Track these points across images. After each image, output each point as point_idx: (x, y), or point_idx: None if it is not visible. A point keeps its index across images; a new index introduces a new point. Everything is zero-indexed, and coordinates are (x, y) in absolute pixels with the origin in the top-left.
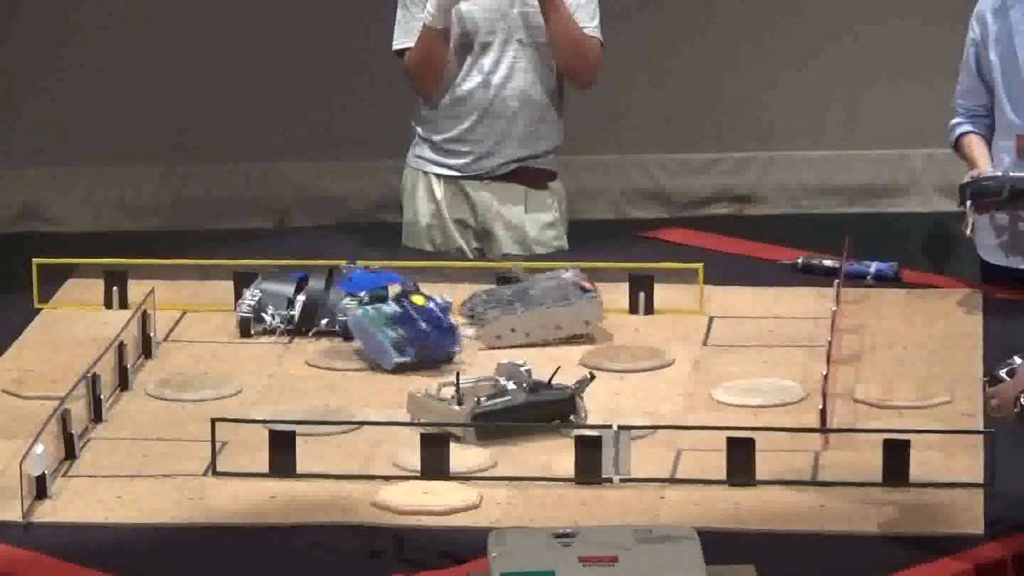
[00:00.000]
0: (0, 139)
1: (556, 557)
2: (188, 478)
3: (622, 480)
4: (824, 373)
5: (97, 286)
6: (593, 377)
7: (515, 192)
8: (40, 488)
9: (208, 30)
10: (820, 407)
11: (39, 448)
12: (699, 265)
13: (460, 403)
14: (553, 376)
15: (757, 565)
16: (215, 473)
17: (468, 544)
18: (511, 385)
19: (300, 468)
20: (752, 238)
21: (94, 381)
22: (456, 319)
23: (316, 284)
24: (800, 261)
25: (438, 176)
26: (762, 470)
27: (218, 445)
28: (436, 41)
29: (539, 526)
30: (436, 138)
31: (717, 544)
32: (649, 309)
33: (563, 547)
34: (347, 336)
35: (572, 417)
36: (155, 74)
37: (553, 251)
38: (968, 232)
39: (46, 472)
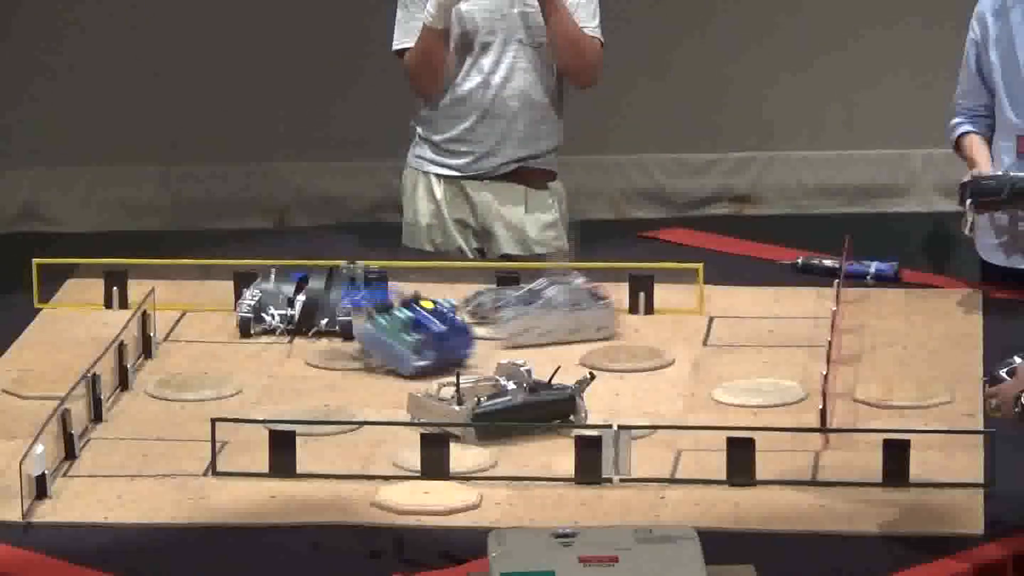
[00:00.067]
0: (0, 139)
1: (556, 557)
2: (188, 478)
3: (622, 480)
4: (824, 373)
5: (97, 286)
6: (593, 377)
7: (515, 192)
8: (40, 488)
9: (208, 30)
10: (820, 407)
11: (39, 448)
12: (699, 265)
13: (460, 403)
14: (553, 376)
15: (757, 565)
16: (215, 473)
17: (468, 544)
18: (511, 385)
19: (300, 468)
20: (752, 238)
21: (94, 381)
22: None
23: (316, 284)
24: (800, 261)
25: (438, 176)
26: (762, 470)
27: (218, 445)
28: (436, 41)
29: (539, 526)
30: (436, 138)
31: (717, 544)
32: (649, 309)
33: (563, 547)
34: (347, 336)
35: (572, 417)
36: (155, 74)
37: (553, 251)
38: (967, 231)
39: (46, 472)
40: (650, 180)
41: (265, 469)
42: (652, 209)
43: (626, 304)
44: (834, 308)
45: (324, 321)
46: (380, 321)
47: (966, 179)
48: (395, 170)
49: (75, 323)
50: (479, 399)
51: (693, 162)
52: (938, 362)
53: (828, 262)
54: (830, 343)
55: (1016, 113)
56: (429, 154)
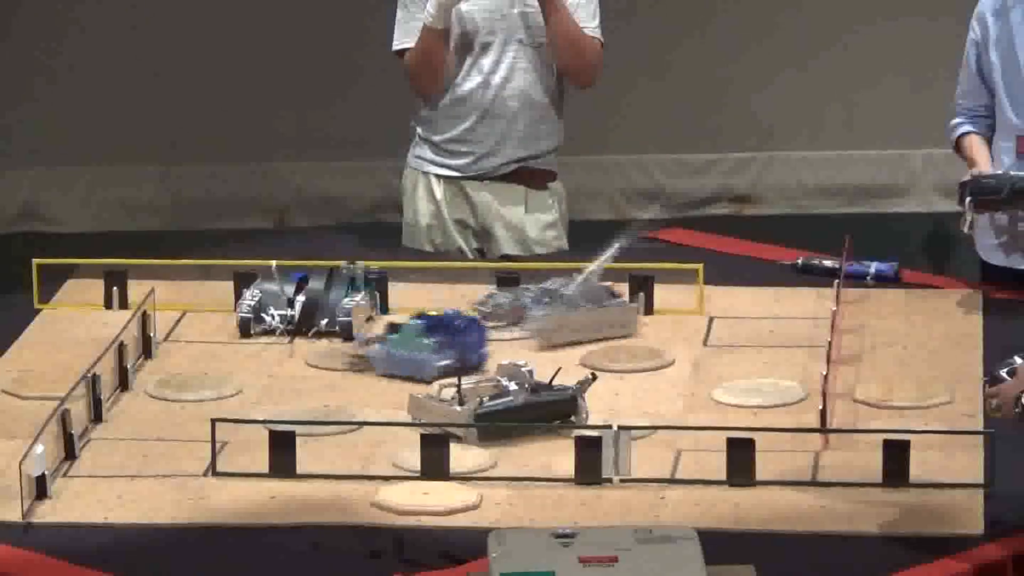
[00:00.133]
0: (0, 139)
1: (556, 557)
2: (188, 478)
3: (622, 480)
4: (824, 373)
5: (97, 286)
6: (595, 378)
7: (515, 192)
8: (40, 488)
9: (208, 30)
10: (820, 407)
11: (39, 448)
12: (699, 265)
13: (462, 404)
14: (554, 376)
15: (757, 565)
16: (215, 473)
17: (468, 544)
18: (512, 386)
19: (300, 468)
20: (752, 238)
21: (94, 381)
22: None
23: (316, 284)
24: (800, 261)
25: (438, 176)
26: (762, 470)
27: (218, 445)
28: (436, 41)
29: (539, 526)
30: (436, 138)
31: (717, 544)
32: (649, 309)
33: (563, 547)
34: (347, 336)
35: (573, 418)
36: (155, 74)
37: (553, 251)
38: (966, 230)
39: (46, 472)
40: (650, 180)
41: (265, 469)
42: (652, 209)
43: None
44: (834, 308)
45: (324, 321)
46: (392, 338)
47: (966, 179)
48: (395, 170)
49: (75, 323)
50: (481, 399)
51: (693, 162)
52: (938, 362)
53: (828, 262)
54: (830, 343)
55: (1016, 113)
56: (429, 154)
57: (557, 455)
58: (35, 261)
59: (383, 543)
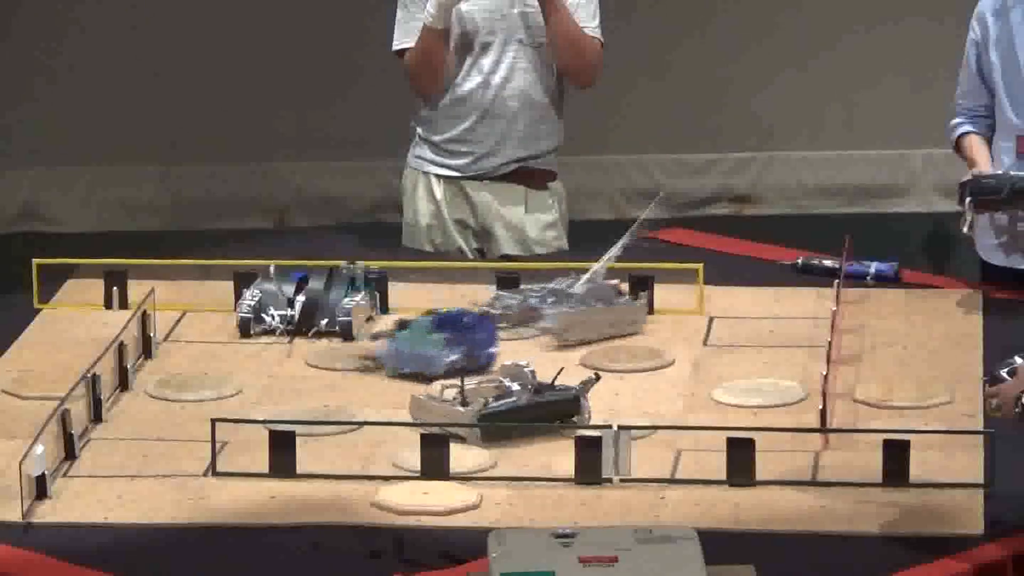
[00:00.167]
0: (0, 139)
1: (556, 557)
2: (188, 478)
3: (622, 480)
4: (824, 373)
5: (97, 286)
6: (598, 378)
7: (515, 192)
8: (40, 488)
9: (208, 30)
10: (820, 407)
11: (39, 448)
12: (699, 265)
13: (464, 404)
14: (556, 377)
15: (757, 565)
16: (215, 473)
17: (468, 544)
18: (515, 386)
19: (300, 468)
20: (752, 238)
21: (94, 381)
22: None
23: (316, 284)
24: (800, 261)
25: (438, 176)
26: (762, 470)
27: (218, 445)
28: (436, 41)
29: (539, 526)
30: (436, 138)
31: (717, 544)
32: (649, 309)
33: (563, 547)
34: (347, 336)
35: (576, 418)
36: (155, 74)
37: (553, 251)
38: (966, 230)
39: (46, 472)
40: (650, 180)
41: (265, 469)
42: (652, 209)
43: None
44: (834, 308)
45: (324, 321)
46: (401, 334)
47: (966, 179)
48: (395, 170)
49: (75, 323)
50: (486, 400)
51: (693, 162)
52: (938, 362)
53: (828, 262)
54: (830, 343)
55: (1016, 113)
56: (429, 154)
57: (557, 455)
58: (35, 261)
59: (383, 543)
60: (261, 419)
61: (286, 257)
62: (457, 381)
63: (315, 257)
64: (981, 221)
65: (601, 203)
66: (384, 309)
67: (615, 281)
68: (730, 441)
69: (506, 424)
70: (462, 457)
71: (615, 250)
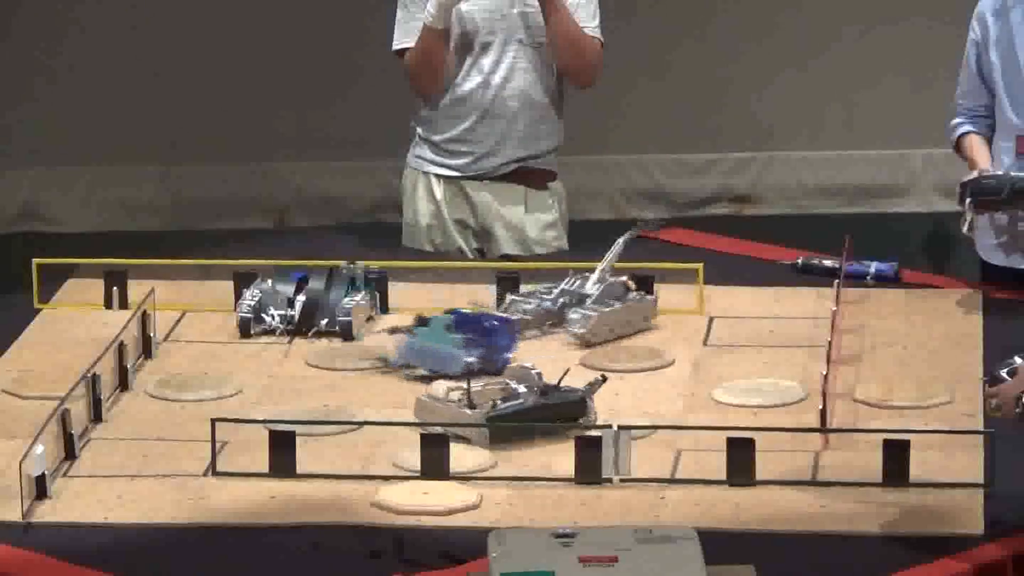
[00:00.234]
0: (0, 139)
1: (556, 557)
2: (188, 478)
3: (622, 480)
4: (824, 373)
5: (97, 286)
6: (605, 380)
7: (515, 192)
8: (40, 488)
9: (208, 30)
10: (820, 407)
11: (39, 448)
12: (699, 265)
13: (472, 407)
14: (562, 378)
15: (757, 565)
16: (215, 473)
17: (468, 544)
18: (522, 388)
19: (300, 468)
20: (752, 238)
21: (94, 381)
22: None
23: (316, 284)
24: (800, 261)
25: (438, 176)
26: (762, 470)
27: (218, 445)
28: (436, 41)
29: (539, 526)
30: (436, 138)
31: (717, 544)
32: None
33: (563, 547)
34: (347, 336)
35: (581, 419)
36: (155, 74)
37: (553, 251)
38: (966, 230)
39: (46, 472)
40: (650, 180)
41: (265, 469)
42: (652, 209)
43: None
44: (834, 308)
45: (324, 321)
46: (421, 330)
47: (966, 179)
48: (395, 170)
49: (75, 323)
50: (494, 403)
51: (693, 162)
52: (938, 362)
53: (828, 262)
54: (830, 343)
55: (1016, 113)
56: (429, 154)
57: (557, 455)
58: (35, 261)
59: (383, 543)
60: (261, 419)
61: (286, 257)
62: (462, 383)
63: (315, 257)
64: (981, 221)
65: (601, 203)
66: (384, 309)
67: (623, 278)
68: (730, 441)
69: (516, 425)
70: (462, 457)
71: (616, 249)
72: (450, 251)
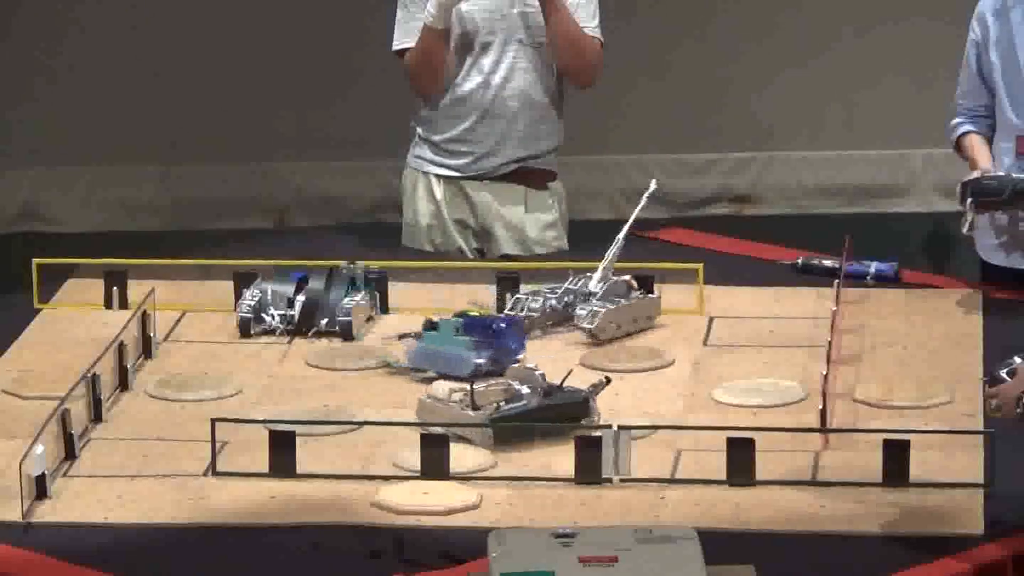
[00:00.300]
0: (0, 139)
1: (556, 557)
2: (188, 478)
3: (622, 480)
4: (824, 373)
5: (97, 286)
6: (609, 381)
7: (515, 192)
8: (40, 488)
9: (208, 30)
10: (820, 407)
11: (39, 448)
12: (699, 265)
13: (475, 408)
14: (565, 379)
15: (757, 565)
16: (215, 473)
17: (468, 544)
18: (525, 389)
19: (300, 468)
20: (752, 238)
21: (94, 381)
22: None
23: (316, 284)
24: (800, 261)
25: (438, 176)
26: (762, 470)
27: (218, 445)
28: (436, 41)
29: (539, 526)
30: (436, 138)
31: (717, 544)
32: None
33: (563, 547)
34: (347, 336)
35: (585, 420)
36: (155, 74)
37: (553, 251)
38: (966, 230)
39: (46, 472)
40: (650, 180)
41: (265, 469)
42: (652, 209)
43: None
44: (834, 308)
45: (324, 321)
46: (430, 334)
47: (967, 179)
48: (395, 170)
49: (75, 323)
50: (498, 404)
51: (693, 162)
52: (938, 362)
53: (828, 262)
54: (830, 343)
55: (1016, 113)
56: (429, 154)
57: (557, 455)
58: (35, 261)
59: (383, 543)
60: (261, 419)
61: (286, 257)
62: (464, 384)
63: (315, 257)
64: (981, 221)
65: (601, 203)
66: (384, 309)
67: (626, 277)
68: (730, 441)
69: (521, 426)
70: (462, 457)
71: (615, 248)
72: (450, 251)
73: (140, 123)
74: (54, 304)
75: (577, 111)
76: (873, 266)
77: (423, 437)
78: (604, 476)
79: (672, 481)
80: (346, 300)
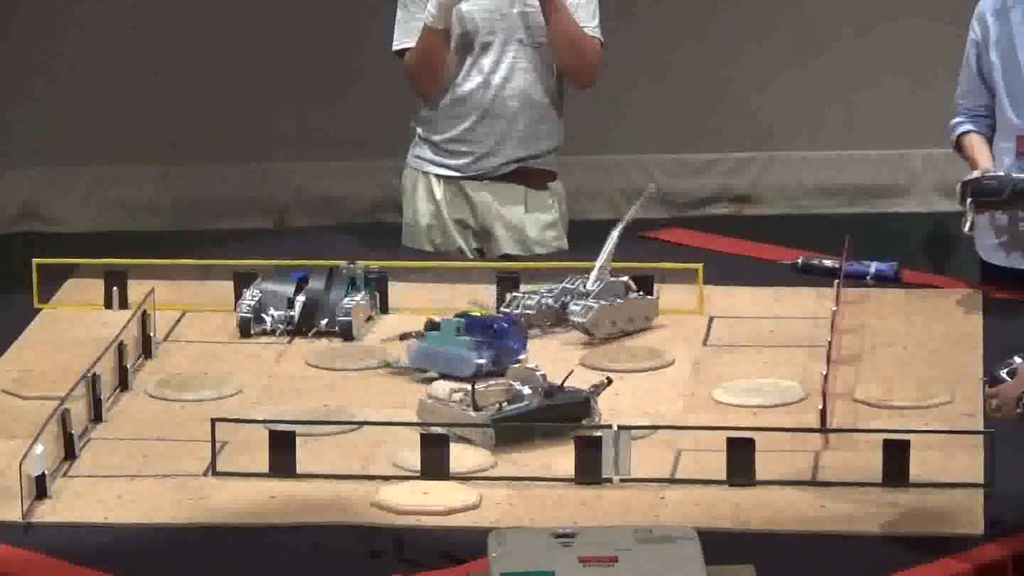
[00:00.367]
0: (0, 139)
1: (556, 557)
2: (188, 478)
3: (622, 480)
4: (824, 373)
5: (97, 286)
6: (610, 381)
7: (515, 192)
8: (40, 488)
9: (208, 30)
10: (820, 407)
11: (39, 448)
12: (699, 265)
13: (477, 408)
14: (566, 379)
15: (757, 565)
16: (215, 473)
17: (468, 544)
18: (526, 390)
19: (300, 468)
20: (752, 238)
21: (94, 381)
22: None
23: (316, 284)
24: (800, 261)
25: (438, 176)
26: (762, 470)
27: (218, 445)
28: (436, 41)
29: (539, 526)
30: (436, 138)
31: (717, 544)
32: None
33: (563, 547)
34: (347, 336)
35: (586, 421)
36: (155, 74)
37: (553, 251)
38: (967, 230)
39: (46, 472)
40: (650, 180)
41: (265, 469)
42: (652, 209)
43: None
44: (834, 308)
45: (324, 321)
46: (433, 334)
47: (967, 179)
48: (395, 170)
49: (75, 323)
50: (500, 405)
51: (693, 162)
52: (938, 362)
53: (828, 262)
54: (830, 343)
55: (1016, 113)
56: (429, 154)
57: (557, 455)
58: (35, 261)
59: (383, 543)
60: (261, 419)
61: (286, 257)
62: (465, 384)
63: (315, 257)
64: (981, 221)
65: (601, 203)
66: (384, 309)
67: (624, 278)
68: (730, 441)
69: (522, 426)
70: (462, 457)
71: (610, 245)
72: (450, 251)
73: (140, 123)
74: (54, 304)
75: (577, 111)
76: (873, 266)
77: (423, 437)
78: (604, 476)
79: (672, 481)
80: (346, 300)
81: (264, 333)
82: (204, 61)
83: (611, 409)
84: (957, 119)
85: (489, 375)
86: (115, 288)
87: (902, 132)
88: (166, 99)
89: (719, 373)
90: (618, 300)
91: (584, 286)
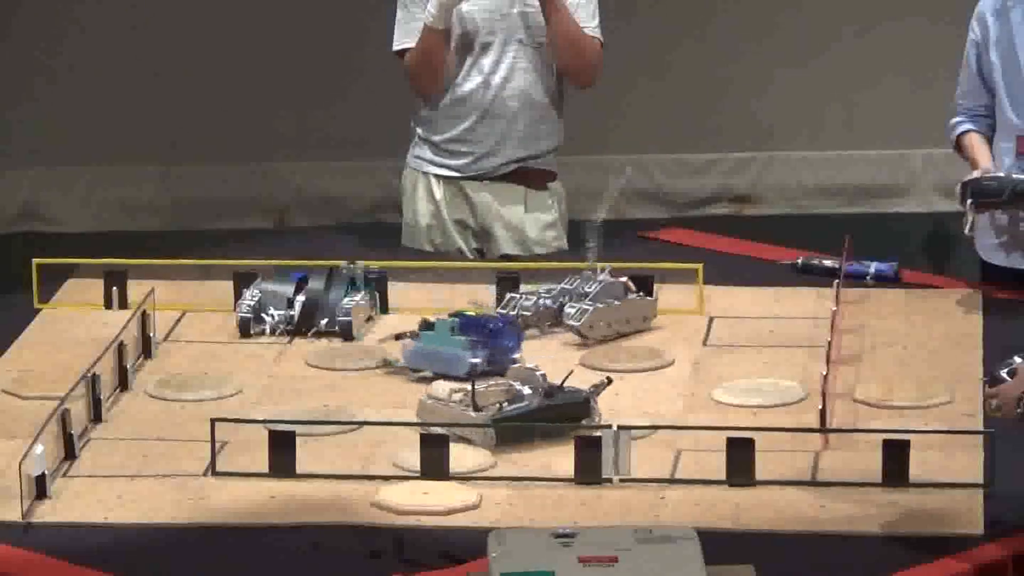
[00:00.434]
0: (0, 139)
1: (556, 557)
2: (188, 478)
3: (622, 480)
4: (824, 373)
5: (97, 286)
6: (610, 381)
7: (515, 192)
8: (40, 488)
9: (208, 30)
10: (820, 407)
11: (39, 448)
12: (699, 265)
13: (477, 409)
14: (566, 379)
15: (757, 565)
16: (215, 473)
17: (468, 544)
18: (526, 390)
19: (300, 468)
20: (752, 238)
21: (94, 381)
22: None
23: (316, 284)
24: (800, 261)
25: (438, 177)
26: (762, 470)
27: (218, 445)
28: (437, 41)
29: (539, 526)
30: (436, 138)
31: (717, 544)
32: None
33: (563, 547)
34: (347, 336)
35: (586, 421)
36: (155, 74)
37: (553, 251)
38: (967, 230)
39: (46, 472)
40: (649, 180)
41: (265, 469)
42: (652, 209)
43: None
44: (834, 308)
45: (324, 321)
46: (428, 334)
47: (967, 179)
48: (395, 170)
49: (75, 323)
50: (500, 405)
51: (693, 162)
52: (938, 362)
53: (828, 262)
54: (830, 343)
55: (1016, 113)
56: (429, 154)
57: (557, 455)
58: (35, 261)
59: (383, 543)
60: (261, 419)
61: (286, 257)
62: (464, 384)
63: (315, 257)
64: (981, 221)
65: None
66: (384, 309)
67: (623, 278)
68: (730, 441)
69: (523, 426)
70: (462, 457)
71: (595, 232)
72: (450, 251)
73: (140, 123)
74: (54, 304)
75: (577, 111)
76: (873, 266)
77: (423, 437)
78: (604, 476)
79: (672, 481)
80: (346, 300)
81: (264, 333)
82: (204, 61)
83: (611, 409)
84: (957, 119)
85: (485, 374)
86: (115, 288)
87: (902, 132)
88: (166, 99)
89: (719, 373)
90: (615, 302)
91: (583, 286)
